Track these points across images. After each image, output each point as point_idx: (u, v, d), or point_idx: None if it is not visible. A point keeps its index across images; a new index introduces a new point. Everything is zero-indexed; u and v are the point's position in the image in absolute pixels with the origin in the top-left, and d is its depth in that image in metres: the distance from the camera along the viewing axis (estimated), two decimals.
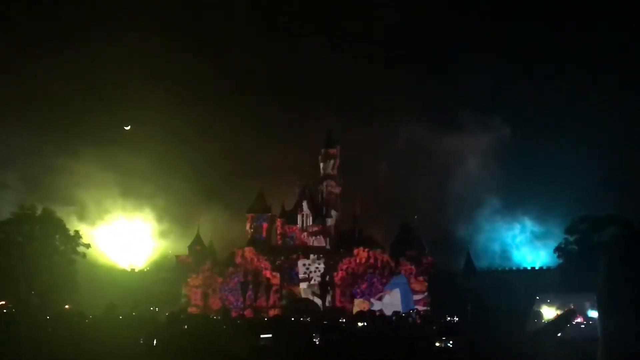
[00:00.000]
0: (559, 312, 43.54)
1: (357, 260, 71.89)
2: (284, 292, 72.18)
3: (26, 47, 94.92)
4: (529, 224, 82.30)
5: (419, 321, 47.57)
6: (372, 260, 72.18)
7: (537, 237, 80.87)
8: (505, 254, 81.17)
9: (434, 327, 26.53)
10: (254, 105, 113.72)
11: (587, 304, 44.26)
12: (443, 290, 68.48)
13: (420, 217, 78.26)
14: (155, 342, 16.17)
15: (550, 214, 77.85)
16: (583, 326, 42.18)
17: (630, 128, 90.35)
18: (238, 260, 74.13)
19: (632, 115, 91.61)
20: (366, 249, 72.30)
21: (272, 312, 67.10)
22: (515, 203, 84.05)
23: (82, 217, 75.40)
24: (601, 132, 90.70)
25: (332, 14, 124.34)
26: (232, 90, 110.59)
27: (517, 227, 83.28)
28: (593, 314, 42.98)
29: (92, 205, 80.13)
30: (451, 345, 18.08)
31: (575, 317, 39.71)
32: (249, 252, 73.98)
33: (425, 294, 70.70)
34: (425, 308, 67.55)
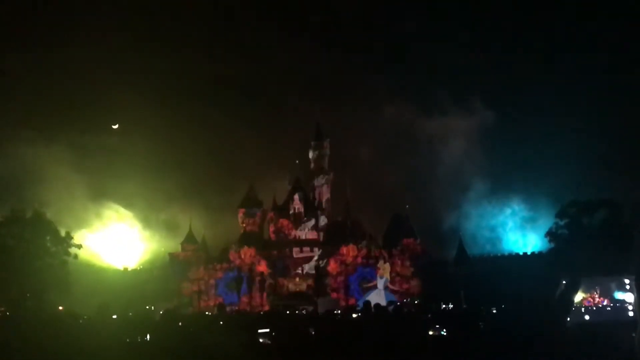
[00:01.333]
0: (585, 295, 43.59)
1: (349, 254, 71.92)
2: (278, 285, 72.24)
3: (9, 48, 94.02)
4: (518, 208, 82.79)
5: (413, 310, 47.82)
6: (364, 252, 72.34)
7: (526, 221, 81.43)
8: (495, 240, 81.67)
9: (429, 316, 26.58)
10: (239, 102, 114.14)
11: (613, 286, 44.28)
12: (436, 278, 68.79)
13: (411, 205, 78.81)
14: (149, 337, 16.09)
15: (538, 199, 78.56)
16: (609, 309, 42.16)
17: (621, 110, 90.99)
18: (231, 255, 74.09)
19: (622, 96, 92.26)
20: (354, 246, 72.05)
21: (267, 307, 67.19)
22: (502, 188, 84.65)
23: (71, 219, 74.78)
24: (589, 115, 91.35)
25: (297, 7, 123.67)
26: (217, 88, 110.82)
27: (506, 212, 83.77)
28: (620, 296, 43.19)
29: (80, 206, 79.58)
30: (445, 333, 18.11)
31: (580, 284, 39.54)
32: (241, 246, 73.94)
33: (417, 283, 71.00)
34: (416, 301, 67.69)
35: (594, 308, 42.06)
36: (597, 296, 43.92)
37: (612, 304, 43.16)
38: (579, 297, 42.00)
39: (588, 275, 41.65)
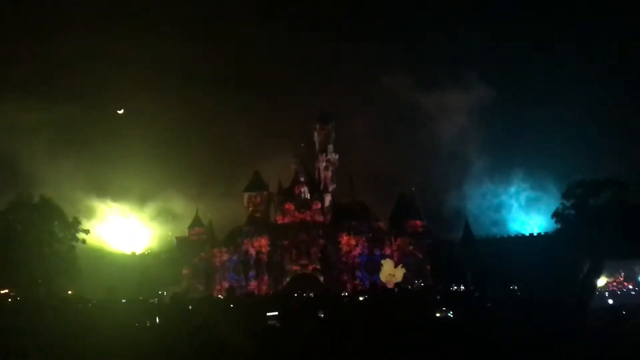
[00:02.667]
0: (608, 279, 43.08)
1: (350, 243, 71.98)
2: (285, 268, 72.52)
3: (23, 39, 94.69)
4: (522, 187, 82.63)
5: (420, 291, 48.06)
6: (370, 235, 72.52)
7: (530, 200, 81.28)
8: (500, 221, 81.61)
9: (438, 297, 26.67)
10: (242, 87, 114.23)
11: (638, 269, 43.77)
12: (442, 260, 68.87)
13: (415, 185, 78.81)
14: (157, 320, 16.23)
15: (542, 178, 78.36)
16: (634, 293, 41.70)
17: (625, 89, 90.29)
18: (238, 239, 74.35)
19: (627, 76, 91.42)
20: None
21: (274, 290, 67.54)
22: (508, 169, 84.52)
23: (80, 204, 75.20)
24: (592, 95, 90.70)
25: None
26: (224, 76, 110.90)
27: (511, 193, 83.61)
28: None
29: (90, 191, 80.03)
30: (452, 315, 18.17)
31: (603, 267, 39.30)
32: (247, 230, 74.15)
33: (424, 264, 71.17)
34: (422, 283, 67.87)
35: (619, 292, 41.42)
36: (621, 279, 43.38)
37: (637, 288, 42.66)
38: (602, 281, 41.53)
39: (611, 259, 41.21)
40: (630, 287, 43.08)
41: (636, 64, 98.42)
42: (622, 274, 43.67)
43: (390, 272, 69.79)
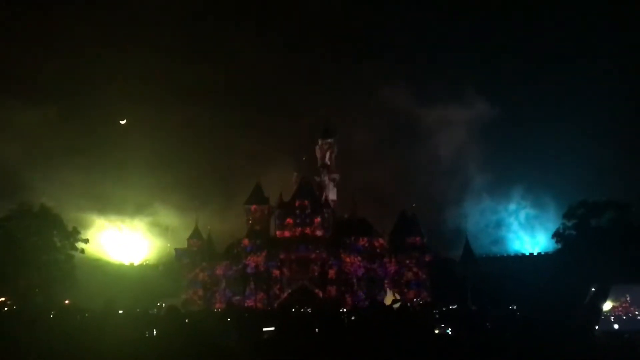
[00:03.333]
0: (614, 304, 42.51)
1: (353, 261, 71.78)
2: (284, 283, 72.13)
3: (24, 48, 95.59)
4: (523, 206, 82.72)
5: (419, 309, 47.70)
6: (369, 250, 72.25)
7: (530, 219, 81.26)
8: (500, 239, 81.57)
9: (437, 316, 26.48)
10: (247, 102, 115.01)
11: None
12: (443, 278, 68.58)
13: (416, 202, 78.82)
14: (155, 333, 16.09)
15: (542, 197, 78.44)
16: None
17: (628, 108, 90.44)
18: (237, 252, 74.04)
19: (630, 94, 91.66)
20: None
21: (273, 304, 67.13)
22: (508, 186, 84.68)
23: (80, 214, 75.14)
24: (594, 115, 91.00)
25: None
26: (226, 89, 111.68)
27: (511, 211, 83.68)
28: None
29: (90, 202, 80.00)
30: (450, 332, 18.07)
31: (609, 291, 38.97)
32: (247, 244, 73.89)
33: (424, 282, 70.86)
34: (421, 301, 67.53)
35: (624, 317, 40.86)
36: (627, 304, 42.84)
37: None
38: (608, 305, 41.04)
39: (617, 282, 40.70)
40: (637, 312, 42.41)
41: (638, 81, 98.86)
42: (629, 298, 43.02)
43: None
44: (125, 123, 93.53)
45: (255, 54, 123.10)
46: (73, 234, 53.42)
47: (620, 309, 42.96)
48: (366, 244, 72.42)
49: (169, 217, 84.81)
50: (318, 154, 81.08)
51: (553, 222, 64.13)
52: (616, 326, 37.31)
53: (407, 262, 71.65)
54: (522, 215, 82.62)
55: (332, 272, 71.03)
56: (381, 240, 74.41)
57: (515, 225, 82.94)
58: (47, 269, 50.65)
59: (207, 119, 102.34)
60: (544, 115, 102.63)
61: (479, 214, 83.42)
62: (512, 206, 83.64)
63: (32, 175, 78.13)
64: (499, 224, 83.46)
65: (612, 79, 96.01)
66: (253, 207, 77.70)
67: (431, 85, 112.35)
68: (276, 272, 72.00)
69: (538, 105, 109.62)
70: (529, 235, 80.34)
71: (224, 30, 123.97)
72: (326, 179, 79.18)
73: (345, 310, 51.03)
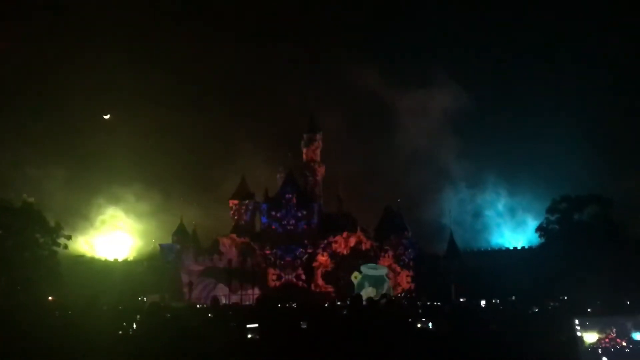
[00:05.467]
0: (600, 336, 42.66)
1: (343, 245, 71.94)
2: (270, 278, 72.10)
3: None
4: (506, 202, 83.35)
5: (404, 303, 47.93)
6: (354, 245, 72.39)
7: (514, 213, 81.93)
8: (483, 232, 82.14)
9: (420, 311, 26.60)
10: (230, 95, 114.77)
11: (630, 325, 43.42)
12: (427, 272, 69.00)
13: (400, 196, 79.29)
14: (134, 329, 16.00)
15: (526, 191, 79.14)
16: (628, 350, 41.37)
17: (612, 102, 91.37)
18: (222, 247, 73.86)
19: (615, 88, 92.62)
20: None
21: (258, 299, 66.96)
22: (491, 182, 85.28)
23: (63, 210, 74.36)
24: (575, 109, 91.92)
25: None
26: (210, 83, 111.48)
27: (496, 205, 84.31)
28: (638, 337, 42.68)
29: (73, 198, 79.21)
30: (431, 327, 18.18)
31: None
32: (232, 239, 73.76)
33: (409, 277, 71.18)
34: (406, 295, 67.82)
35: (612, 349, 41.16)
36: (614, 336, 43.32)
37: (630, 345, 42.57)
38: (594, 337, 41.16)
39: (600, 315, 41.12)
40: (624, 344, 42.74)
41: (623, 73, 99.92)
42: (614, 330, 43.21)
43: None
44: (109, 118, 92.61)
45: (233, 50, 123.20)
46: (56, 230, 52.83)
47: (607, 340, 43.22)
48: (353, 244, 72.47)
49: (154, 212, 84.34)
50: (303, 148, 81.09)
51: (537, 214, 65.13)
52: (605, 359, 37.56)
53: (392, 256, 71.91)
54: (503, 207, 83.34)
55: (316, 267, 71.12)
56: (367, 235, 74.57)
57: (497, 219, 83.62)
58: (29, 265, 50.04)
59: (191, 115, 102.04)
60: (525, 105, 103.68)
61: (462, 208, 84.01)
62: (496, 200, 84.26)
63: (13, 170, 77.27)
64: (481, 217, 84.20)
65: (596, 71, 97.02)
66: (238, 202, 77.59)
67: (405, 70, 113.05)
68: (262, 267, 71.98)
69: (519, 95, 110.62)
70: (511, 229, 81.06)
71: (203, 29, 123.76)
72: (312, 173, 79.24)
73: (328, 305, 51.08)
